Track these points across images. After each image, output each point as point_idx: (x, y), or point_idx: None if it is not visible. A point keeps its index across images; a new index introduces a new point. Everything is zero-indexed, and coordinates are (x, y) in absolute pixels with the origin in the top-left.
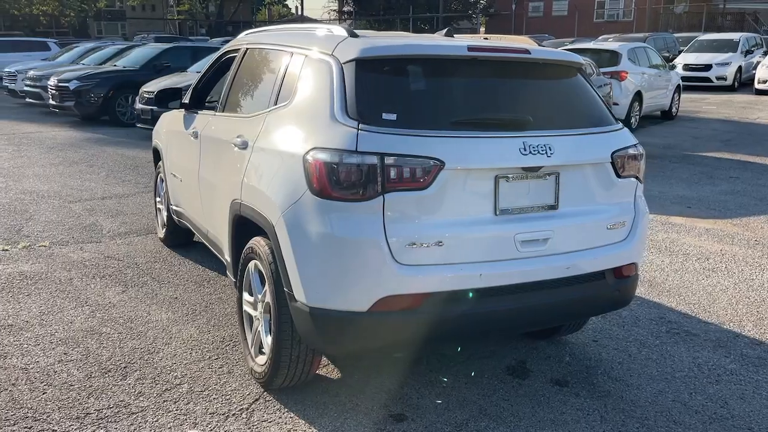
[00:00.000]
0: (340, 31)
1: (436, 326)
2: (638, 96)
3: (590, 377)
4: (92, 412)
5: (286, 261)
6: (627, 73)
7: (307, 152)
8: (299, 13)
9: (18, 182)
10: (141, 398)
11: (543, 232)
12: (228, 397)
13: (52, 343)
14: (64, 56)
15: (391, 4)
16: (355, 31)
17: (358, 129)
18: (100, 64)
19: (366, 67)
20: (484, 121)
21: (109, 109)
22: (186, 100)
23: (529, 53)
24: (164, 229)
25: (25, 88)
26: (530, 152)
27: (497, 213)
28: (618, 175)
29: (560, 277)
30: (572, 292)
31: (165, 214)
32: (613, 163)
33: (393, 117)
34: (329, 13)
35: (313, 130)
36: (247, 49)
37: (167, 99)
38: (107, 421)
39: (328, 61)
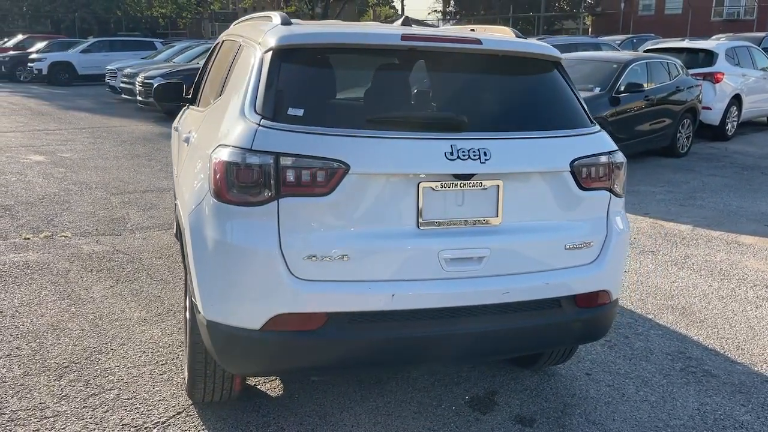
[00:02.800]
0: (276, 18)
1: (340, 351)
2: (736, 100)
3: (563, 417)
4: (7, 412)
5: (189, 268)
6: (723, 74)
7: (213, 150)
8: (401, 13)
9: (75, 173)
10: (63, 402)
11: (476, 250)
12: (151, 408)
13: (12, 336)
14: (161, 55)
15: (492, 4)
16: (290, 19)
17: (258, 125)
18: (189, 62)
19: (283, 56)
20: (405, 119)
21: None
22: (188, 94)
23: (480, 44)
24: (176, 225)
25: (121, 85)
26: (459, 157)
27: (420, 225)
28: (581, 187)
29: (496, 302)
30: (513, 321)
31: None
32: (573, 173)
33: (299, 113)
34: (433, 14)
35: (225, 125)
36: (223, 41)
37: (168, 93)
38: (15, 424)
39: (255, 51)
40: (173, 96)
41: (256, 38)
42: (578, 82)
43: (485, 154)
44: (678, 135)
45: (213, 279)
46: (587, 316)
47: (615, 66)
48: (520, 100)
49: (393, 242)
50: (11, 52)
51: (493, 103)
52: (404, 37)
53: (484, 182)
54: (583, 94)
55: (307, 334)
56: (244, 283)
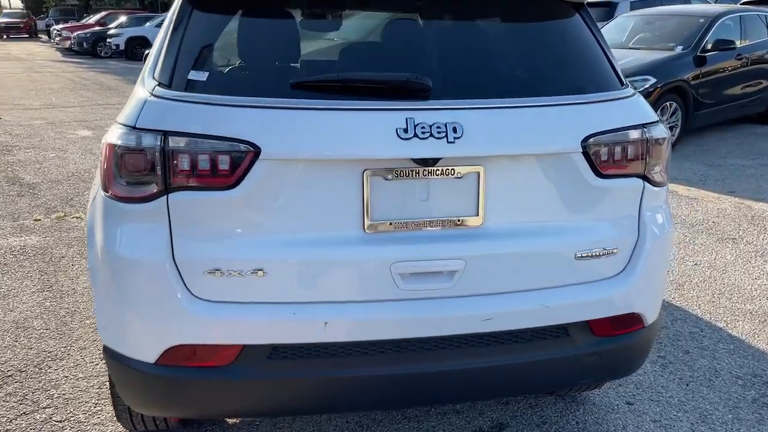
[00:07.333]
0: None
1: (258, 393)
2: None
3: None
4: None
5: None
6: None
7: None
8: None
9: None
10: None
11: (445, 261)
12: None
13: None
14: None
15: None
16: None
17: (150, 94)
18: None
19: (195, 5)
20: (341, 83)
21: None
22: None
23: None
24: None
25: None
26: (417, 134)
27: (366, 228)
28: (598, 174)
29: (474, 332)
30: (500, 356)
31: None
32: (587, 154)
33: (203, 77)
34: None
35: (128, 99)
36: None
37: None
38: None
39: (174, 6)
40: None
41: None
42: (657, 40)
43: (455, 130)
44: None
45: (103, 296)
46: (608, 347)
47: (702, 21)
48: (519, 55)
49: (326, 252)
50: (93, 29)
51: (474, 58)
52: None
53: (457, 169)
54: (661, 54)
55: (213, 372)
56: (133, 303)
